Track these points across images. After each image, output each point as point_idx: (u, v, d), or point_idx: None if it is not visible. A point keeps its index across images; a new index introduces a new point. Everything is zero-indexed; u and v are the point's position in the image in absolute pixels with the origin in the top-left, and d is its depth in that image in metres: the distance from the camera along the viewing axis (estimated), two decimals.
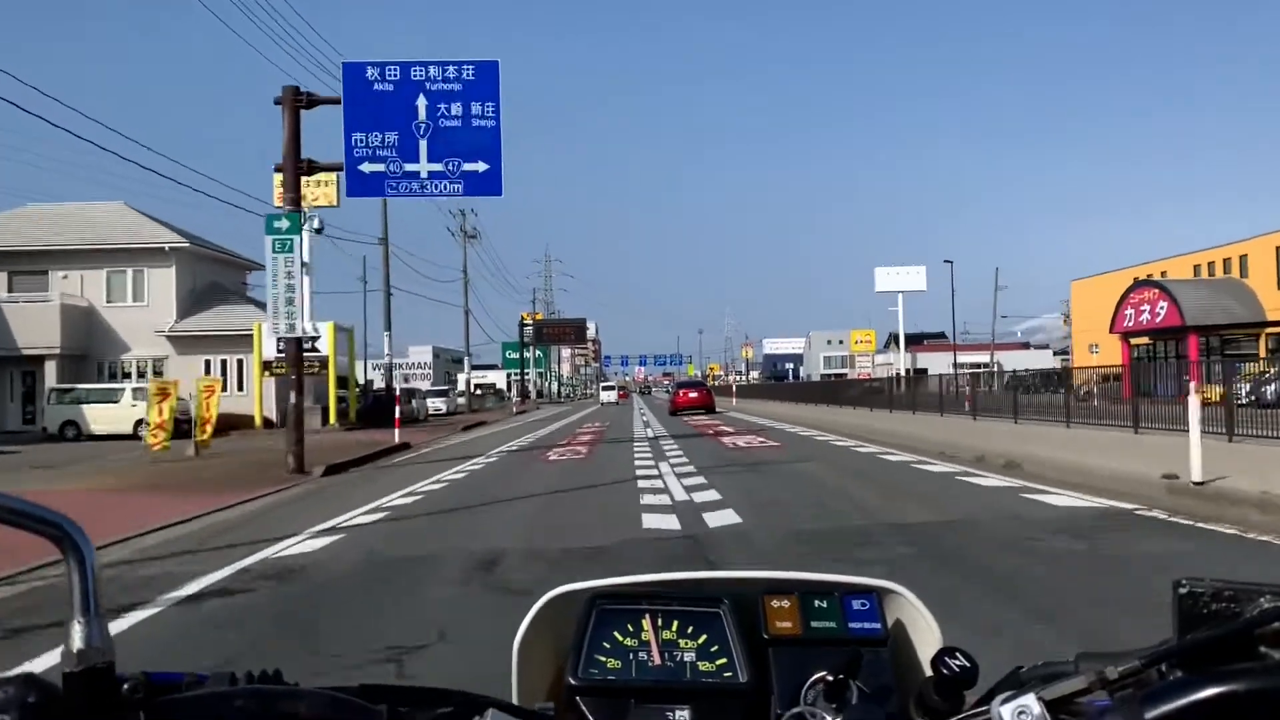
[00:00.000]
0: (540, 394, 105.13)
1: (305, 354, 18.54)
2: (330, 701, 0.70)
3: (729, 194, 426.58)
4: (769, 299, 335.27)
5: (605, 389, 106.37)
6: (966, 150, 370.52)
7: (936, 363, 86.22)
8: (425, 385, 78.12)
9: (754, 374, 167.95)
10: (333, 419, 31.29)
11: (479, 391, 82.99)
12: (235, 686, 0.75)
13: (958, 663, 0.81)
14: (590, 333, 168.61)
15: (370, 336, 48.93)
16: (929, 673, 0.84)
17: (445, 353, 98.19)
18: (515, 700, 0.97)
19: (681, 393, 41.01)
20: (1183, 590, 0.72)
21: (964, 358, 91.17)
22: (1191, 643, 0.67)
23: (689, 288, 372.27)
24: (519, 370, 76.10)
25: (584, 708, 0.98)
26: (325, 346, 30.82)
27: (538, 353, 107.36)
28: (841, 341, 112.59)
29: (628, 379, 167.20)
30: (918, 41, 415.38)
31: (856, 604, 1.03)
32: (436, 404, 49.37)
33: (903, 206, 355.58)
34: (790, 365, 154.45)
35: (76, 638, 0.67)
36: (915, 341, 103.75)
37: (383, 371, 42.94)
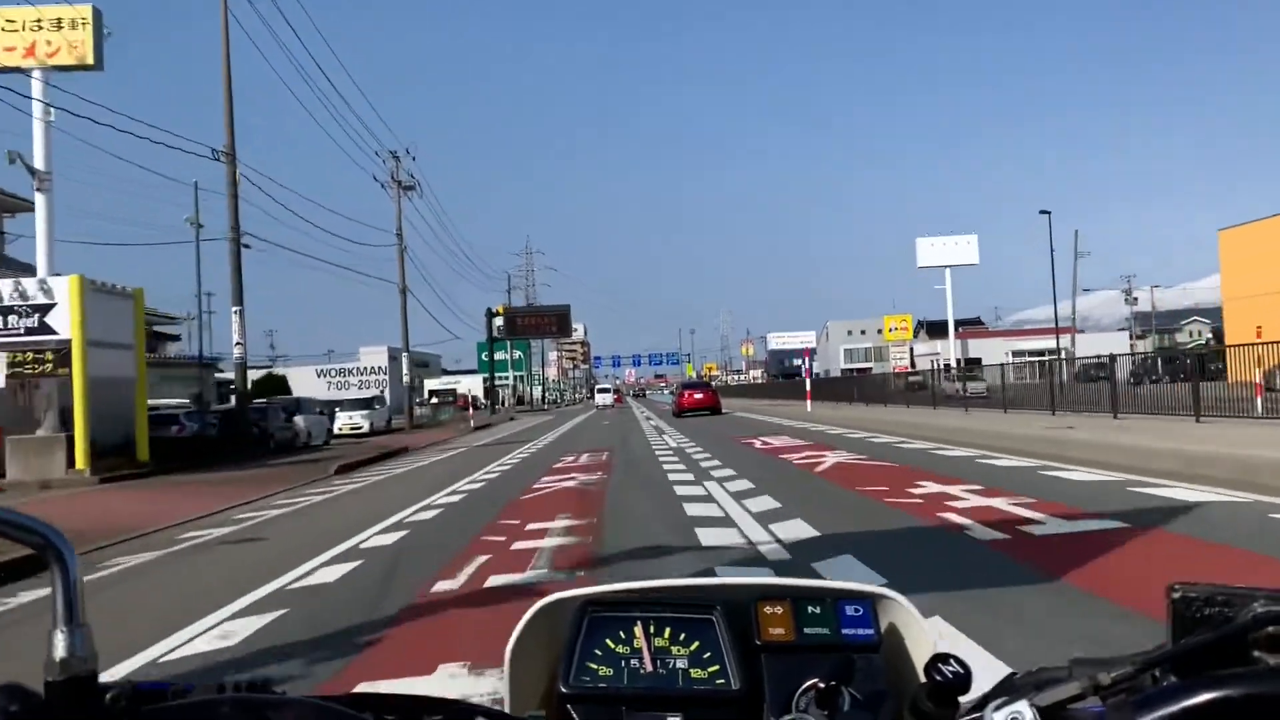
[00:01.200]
0: (522, 400, 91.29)
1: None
2: (316, 710, 0.70)
3: (723, 187, 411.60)
4: (771, 293, 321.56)
5: (600, 392, 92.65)
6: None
7: (988, 351, 72.49)
8: (371, 392, 63.90)
9: (755, 373, 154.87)
10: (81, 459, 16.67)
11: (434, 400, 68.38)
12: (222, 695, 0.74)
13: (951, 669, 0.80)
14: (579, 333, 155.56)
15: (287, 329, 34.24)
16: (922, 679, 0.84)
17: (415, 355, 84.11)
18: (508, 709, 0.98)
19: (686, 394, 39.88)
20: (1176, 595, 0.71)
21: (1020, 344, 77.70)
22: (1185, 648, 0.67)
23: (682, 284, 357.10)
24: (493, 372, 61.65)
25: (575, 715, 0.97)
26: (65, 320, 16.57)
27: (516, 353, 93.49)
28: (864, 332, 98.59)
29: (619, 382, 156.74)
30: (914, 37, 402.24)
31: (850, 610, 1.02)
32: (354, 420, 35.13)
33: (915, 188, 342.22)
34: (799, 361, 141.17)
35: (59, 646, 0.67)
36: (942, 329, 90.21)
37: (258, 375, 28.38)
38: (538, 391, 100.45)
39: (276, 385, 62.63)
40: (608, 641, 1.01)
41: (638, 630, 1.02)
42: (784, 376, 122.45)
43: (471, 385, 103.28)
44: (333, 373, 75.55)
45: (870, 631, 1.01)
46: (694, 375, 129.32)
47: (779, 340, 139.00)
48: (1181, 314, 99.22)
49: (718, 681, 0.98)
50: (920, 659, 0.97)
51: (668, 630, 1.02)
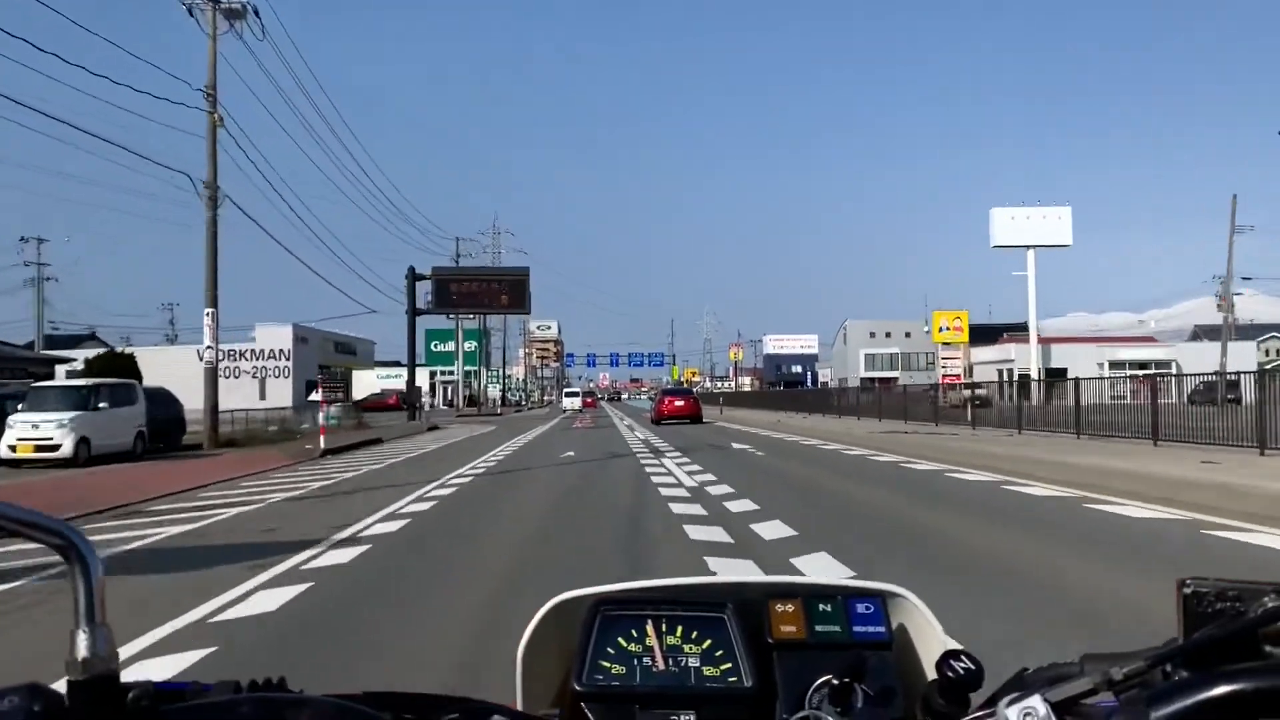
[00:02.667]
0: (474, 402, 74.42)
1: None
2: (335, 709, 0.71)
3: (712, 176, 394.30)
4: (765, 293, 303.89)
5: (569, 395, 76.59)
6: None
7: (1073, 360, 56.74)
8: (252, 380, 46.76)
9: (744, 379, 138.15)
10: None
11: (322, 399, 50.88)
12: (240, 694, 0.75)
13: (963, 665, 0.81)
14: (551, 330, 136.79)
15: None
16: (933, 676, 0.84)
17: (332, 338, 66.95)
18: (520, 707, 0.99)
19: (666, 400, 36.98)
20: (1187, 590, 0.72)
21: (1113, 353, 62.01)
22: (1196, 642, 0.67)
23: (667, 279, 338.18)
24: (412, 361, 44.54)
25: (589, 714, 0.98)
26: None
27: (469, 343, 76.46)
28: (888, 334, 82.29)
29: (591, 384, 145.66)
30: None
31: (861, 608, 1.03)
32: (42, 432, 17.29)
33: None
34: (800, 368, 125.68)
35: (81, 646, 0.67)
36: (987, 335, 74.65)
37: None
38: (495, 391, 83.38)
39: (121, 367, 45.28)
40: (620, 640, 1.01)
41: (650, 629, 1.02)
42: (784, 384, 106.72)
43: (420, 382, 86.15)
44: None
45: (881, 629, 1.01)
46: (679, 379, 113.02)
47: (777, 344, 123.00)
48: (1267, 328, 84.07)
49: (730, 679, 0.98)
50: (931, 656, 0.96)
51: (680, 629, 1.02)
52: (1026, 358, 52.28)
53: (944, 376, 60.71)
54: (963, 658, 0.82)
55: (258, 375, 56.47)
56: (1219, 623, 0.69)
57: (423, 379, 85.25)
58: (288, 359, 57.45)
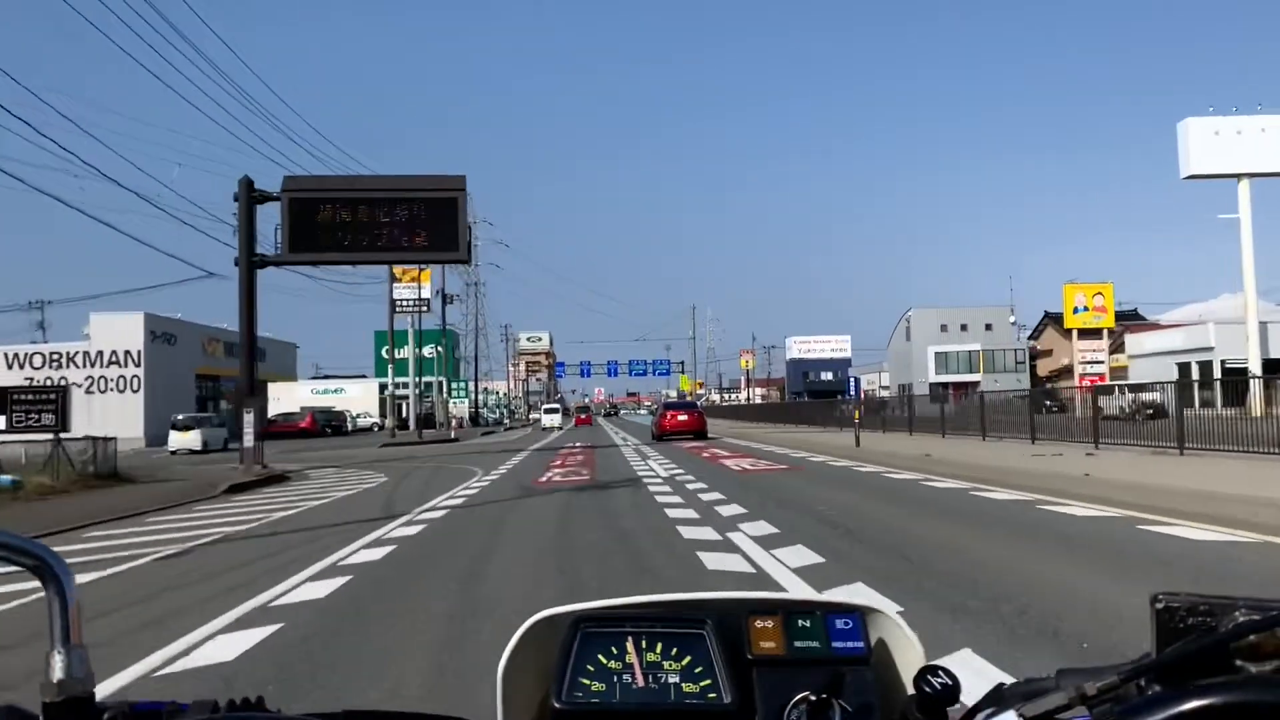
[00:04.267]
0: (427, 422, 56.80)
1: None
2: None
3: (711, 175, 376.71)
4: (781, 291, 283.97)
5: (548, 411, 63.70)
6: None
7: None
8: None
9: (758, 391, 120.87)
10: None
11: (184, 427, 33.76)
12: (217, 714, 0.74)
13: (940, 681, 0.82)
14: (543, 341, 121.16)
15: None
16: (912, 691, 0.85)
17: (221, 338, 49.08)
18: None
19: (669, 414, 33.07)
20: (1159, 605, 0.72)
21: None
22: (1169, 657, 0.68)
23: (671, 278, 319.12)
24: (250, 358, 26.22)
25: None
26: None
27: (429, 347, 58.94)
28: (964, 327, 64.58)
29: (587, 399, 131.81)
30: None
31: (840, 623, 1.03)
32: None
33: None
34: (831, 374, 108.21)
35: (57, 668, 0.67)
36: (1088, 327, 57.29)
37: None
38: (460, 408, 65.58)
39: None
40: (600, 657, 1.01)
41: (629, 645, 1.01)
42: (810, 395, 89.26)
43: (364, 397, 68.32)
44: (35, 360, 40.17)
45: (860, 644, 1.01)
46: (689, 389, 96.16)
47: (802, 347, 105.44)
48: None
49: (709, 695, 0.98)
50: (909, 672, 0.97)
51: (659, 645, 1.02)
52: (1257, 344, 34.46)
53: (1083, 378, 43.39)
54: (940, 673, 0.83)
55: (95, 388, 38.62)
56: (1191, 637, 0.69)
57: (366, 392, 67.51)
58: (138, 365, 39.53)
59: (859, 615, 1.04)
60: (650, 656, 1.01)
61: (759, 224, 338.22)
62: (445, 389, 59.28)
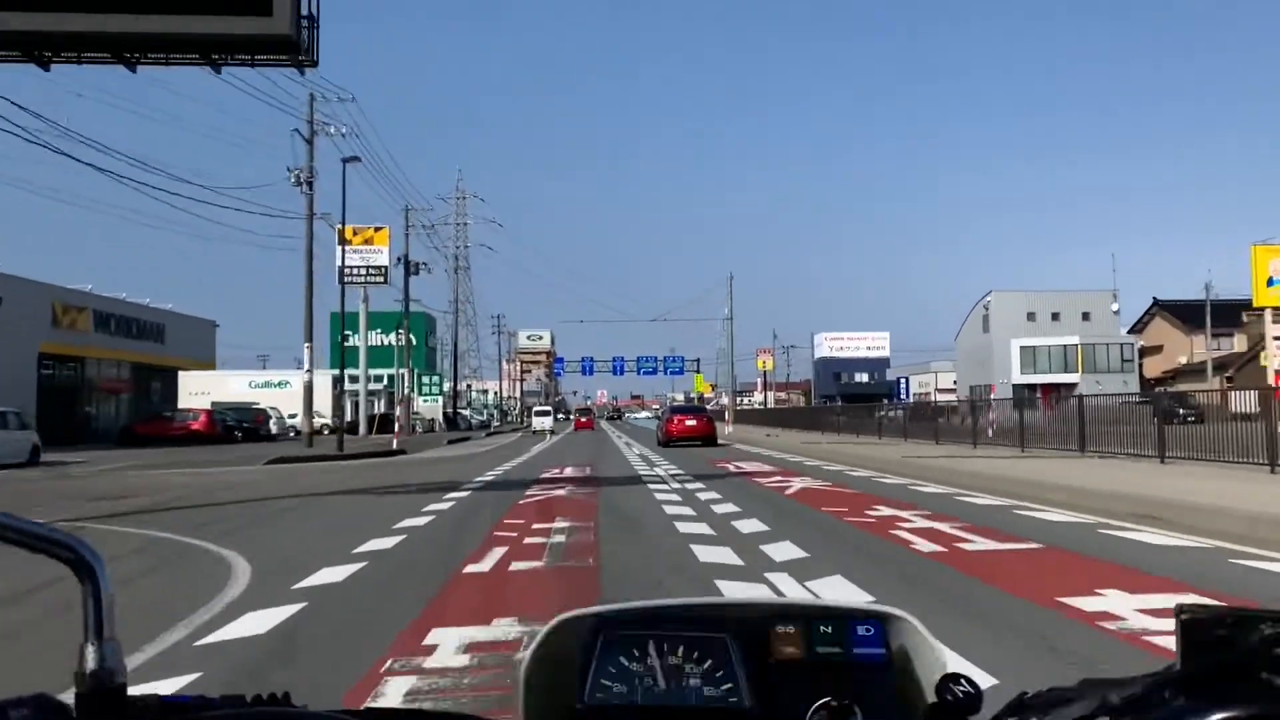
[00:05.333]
0: (384, 424, 45.30)
1: None
2: None
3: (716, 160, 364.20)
4: (806, 283, 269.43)
5: (539, 414, 55.53)
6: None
7: None
8: None
9: (776, 394, 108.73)
10: None
11: None
12: (244, 709, 0.76)
13: (962, 689, 0.83)
14: (543, 340, 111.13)
15: None
16: (933, 699, 0.86)
17: (87, 303, 36.76)
18: None
19: (675, 419, 30.97)
20: (1185, 617, 0.72)
21: None
22: (1194, 669, 0.68)
23: (682, 276, 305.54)
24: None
25: None
26: None
27: (392, 335, 47.48)
28: (1056, 316, 52.39)
29: (589, 401, 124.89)
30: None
31: (861, 630, 1.04)
32: None
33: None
34: (867, 375, 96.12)
35: (89, 659, 0.69)
36: (1223, 315, 45.69)
37: None
38: (431, 406, 53.56)
39: None
40: (622, 659, 1.02)
41: (651, 648, 1.03)
42: (843, 398, 77.36)
43: (316, 391, 56.37)
44: None
45: (881, 650, 1.02)
46: (706, 390, 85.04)
47: (833, 344, 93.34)
48: None
49: (730, 699, 0.99)
50: (930, 679, 0.97)
51: (681, 648, 1.03)
52: None
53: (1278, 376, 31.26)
54: (962, 681, 0.83)
55: None
56: (1217, 650, 0.68)
57: (316, 387, 55.45)
58: None
59: (880, 622, 1.04)
60: (672, 659, 1.01)
61: (777, 214, 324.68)
62: (411, 384, 47.20)
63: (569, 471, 17.35)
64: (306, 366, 28.75)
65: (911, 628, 1.04)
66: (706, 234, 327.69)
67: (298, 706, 0.76)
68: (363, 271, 42.98)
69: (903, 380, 71.85)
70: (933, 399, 66.57)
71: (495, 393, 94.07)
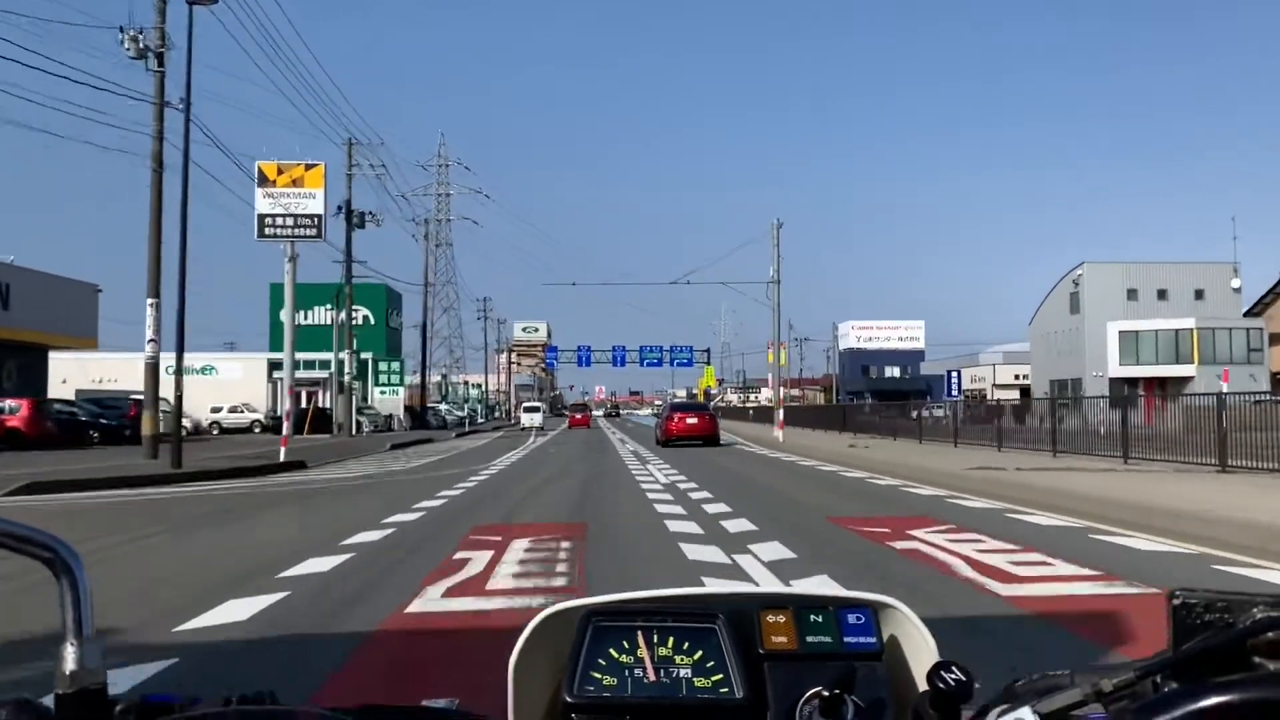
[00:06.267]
0: (316, 421, 35.36)
1: None
2: None
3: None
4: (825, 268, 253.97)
5: (528, 410, 53.98)
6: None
7: None
8: None
9: (791, 393, 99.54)
10: None
11: None
12: (229, 708, 0.75)
13: (953, 677, 0.82)
14: (539, 332, 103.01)
15: None
16: (924, 687, 0.86)
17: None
18: (512, 719, 1.00)
19: (676, 418, 27.49)
20: (1176, 601, 0.72)
21: None
22: (1186, 654, 0.68)
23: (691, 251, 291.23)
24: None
25: None
26: None
27: (336, 310, 37.71)
28: (1163, 292, 42.51)
29: (587, 397, 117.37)
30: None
31: (852, 618, 1.03)
32: None
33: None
34: (899, 370, 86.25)
35: (69, 660, 0.68)
36: None
37: None
38: (390, 399, 43.65)
39: None
40: (611, 651, 1.01)
41: (640, 639, 1.02)
42: (874, 395, 67.96)
43: (246, 380, 46.45)
44: None
45: (872, 640, 1.01)
46: (712, 385, 76.02)
47: (861, 334, 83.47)
48: None
49: (721, 690, 0.98)
50: (922, 667, 0.97)
51: (671, 639, 1.02)
52: None
53: None
54: (954, 669, 0.82)
55: None
56: (1208, 634, 0.68)
57: (249, 373, 45.90)
58: None
59: (871, 610, 1.03)
60: (662, 651, 1.01)
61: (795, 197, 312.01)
62: (355, 370, 37.25)
63: (524, 547, 7.53)
64: (150, 336, 18.72)
65: (902, 616, 1.03)
66: (707, 227, 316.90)
67: (284, 705, 0.74)
68: (287, 224, 33.06)
69: (952, 374, 61.94)
70: (988, 396, 57.01)
71: (479, 386, 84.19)
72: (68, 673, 0.67)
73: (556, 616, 1.05)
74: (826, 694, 0.89)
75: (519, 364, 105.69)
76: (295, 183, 33.06)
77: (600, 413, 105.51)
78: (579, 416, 56.99)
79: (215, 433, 40.94)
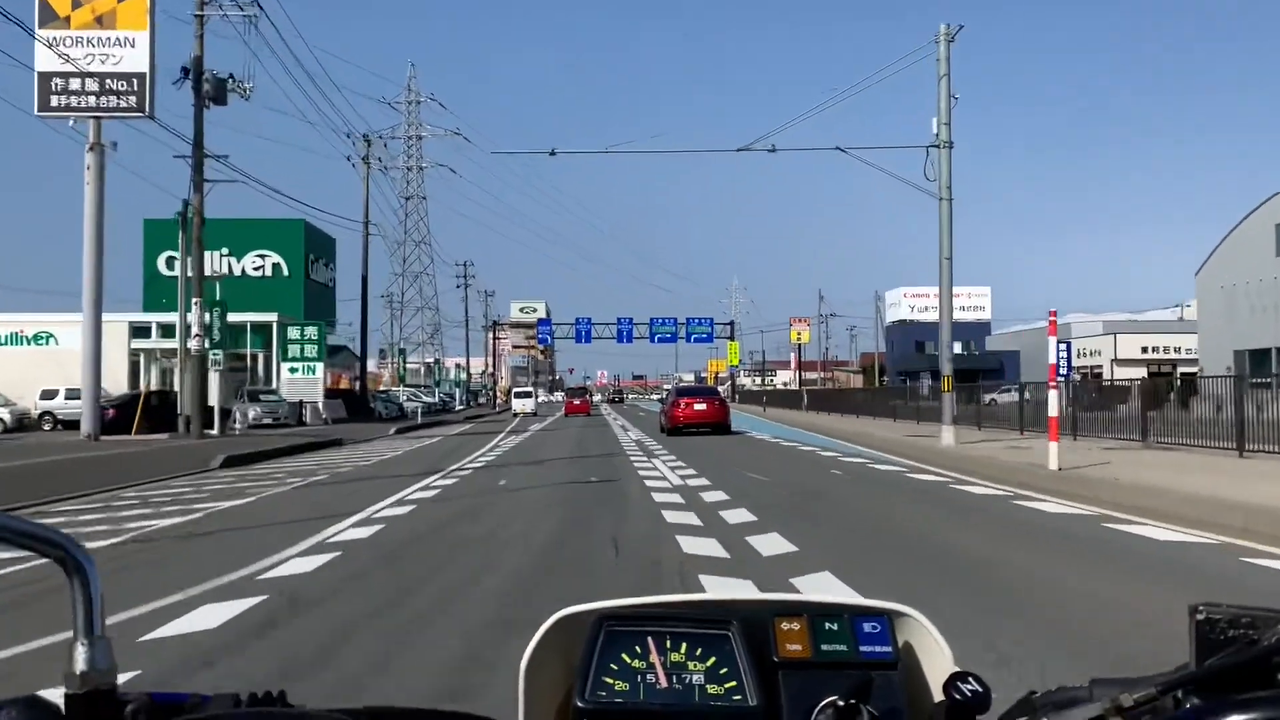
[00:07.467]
0: (159, 411, 21.92)
1: None
2: None
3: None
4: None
5: (519, 395, 50.84)
6: None
7: None
8: None
9: (812, 375, 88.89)
10: None
11: None
12: (239, 709, 0.75)
13: (970, 688, 0.82)
14: (538, 311, 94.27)
15: None
16: (940, 698, 0.86)
17: None
18: None
19: (682, 403, 24.73)
20: (1200, 616, 0.71)
21: None
22: (1208, 670, 0.67)
23: (692, 254, 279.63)
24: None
25: None
26: None
27: (195, 234, 24.09)
28: None
29: (588, 380, 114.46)
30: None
31: (867, 626, 1.02)
32: None
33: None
34: (962, 346, 73.62)
35: (79, 659, 0.68)
36: None
37: None
38: (307, 380, 30.91)
39: None
40: (624, 656, 1.00)
41: (652, 645, 1.01)
42: (933, 376, 54.74)
43: (103, 351, 33.82)
44: None
45: (888, 649, 1.00)
46: (736, 364, 64.69)
47: (916, 301, 70.58)
48: None
49: (734, 698, 0.97)
50: (938, 678, 0.96)
51: (684, 645, 1.01)
52: None
53: None
54: (970, 680, 0.82)
55: None
56: (1232, 650, 0.67)
57: (106, 341, 33.31)
58: None
59: (887, 619, 1.02)
60: (674, 656, 1.00)
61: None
62: (262, 339, 24.38)
63: None
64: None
65: (918, 625, 1.02)
66: (711, 222, 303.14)
67: (293, 705, 0.74)
68: (88, 88, 20.26)
69: (1063, 345, 49.09)
70: (1106, 375, 44.53)
71: (460, 366, 72.04)
72: (78, 672, 0.66)
73: (569, 619, 1.03)
74: (841, 703, 0.87)
75: (519, 348, 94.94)
76: (101, 21, 20.24)
77: (600, 398, 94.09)
78: (577, 402, 47.18)
79: (48, 428, 28.44)
